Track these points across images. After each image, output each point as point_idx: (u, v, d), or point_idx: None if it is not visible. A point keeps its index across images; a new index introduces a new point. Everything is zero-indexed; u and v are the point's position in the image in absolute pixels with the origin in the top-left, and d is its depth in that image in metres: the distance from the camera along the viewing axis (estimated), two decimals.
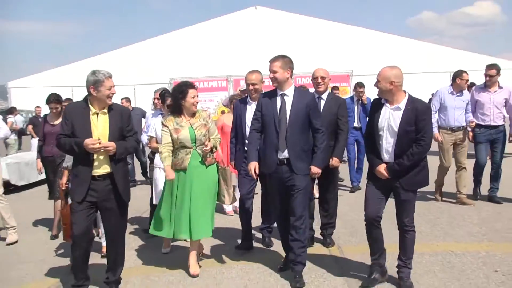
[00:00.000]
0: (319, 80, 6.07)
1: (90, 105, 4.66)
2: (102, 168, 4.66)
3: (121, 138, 4.75)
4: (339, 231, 6.77)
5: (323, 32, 33.06)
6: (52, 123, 7.68)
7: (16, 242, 7.20)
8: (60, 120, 7.11)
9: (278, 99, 5.15)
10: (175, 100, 5.59)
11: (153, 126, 6.78)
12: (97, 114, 4.67)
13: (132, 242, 6.85)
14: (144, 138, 7.71)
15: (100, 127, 4.63)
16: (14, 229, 7.25)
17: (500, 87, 8.19)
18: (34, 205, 10.05)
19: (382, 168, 4.62)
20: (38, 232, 7.92)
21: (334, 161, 6.07)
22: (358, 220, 6.42)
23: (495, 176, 8.31)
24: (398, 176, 4.56)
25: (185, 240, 6.00)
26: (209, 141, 5.51)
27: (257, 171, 5.21)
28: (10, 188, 10.82)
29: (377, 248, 4.85)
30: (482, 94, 8.21)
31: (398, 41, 33.41)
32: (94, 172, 4.63)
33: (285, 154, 5.06)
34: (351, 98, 10.15)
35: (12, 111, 21.66)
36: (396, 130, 4.51)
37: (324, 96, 6.13)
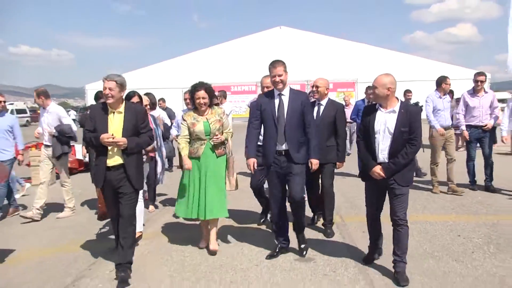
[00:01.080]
0: (313, 89, 5.85)
1: (108, 106, 4.53)
2: (115, 160, 4.48)
3: (135, 134, 4.55)
4: (341, 205, 6.94)
5: (334, 48, 33.25)
6: None
7: (67, 216, 7.10)
8: None
9: (276, 99, 4.91)
10: (191, 99, 5.36)
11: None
12: (113, 112, 4.52)
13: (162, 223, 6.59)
14: (174, 132, 7.88)
15: (115, 124, 4.48)
16: (70, 208, 7.18)
17: (485, 92, 8.06)
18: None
19: (378, 169, 4.23)
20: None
21: (338, 165, 5.86)
22: (358, 198, 6.59)
23: (488, 168, 8.04)
24: (393, 175, 4.21)
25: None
26: (221, 134, 5.23)
27: (255, 166, 4.95)
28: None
29: (376, 235, 4.64)
30: (472, 99, 7.92)
31: (394, 55, 33.52)
32: (109, 162, 4.47)
33: (283, 146, 4.85)
34: (363, 100, 9.75)
35: (86, 108, 22.44)
36: (392, 131, 4.16)
37: (323, 102, 5.81)
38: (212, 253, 5.13)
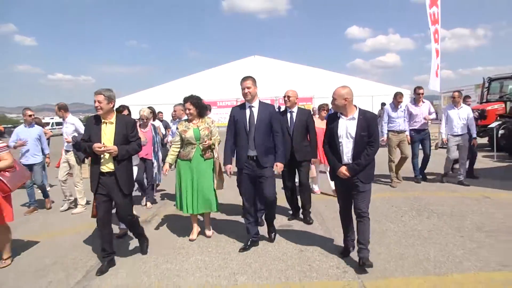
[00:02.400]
0: (285, 98, 5.47)
1: (101, 117, 4.19)
2: (107, 166, 4.13)
3: (125, 142, 4.20)
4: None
5: (296, 71, 33.99)
6: None
7: (80, 212, 6.67)
8: None
9: (247, 110, 4.54)
10: (184, 110, 5.10)
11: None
12: (106, 123, 4.18)
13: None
14: (170, 139, 7.40)
15: (108, 134, 4.14)
16: (82, 205, 6.78)
17: (423, 102, 7.87)
18: None
19: (343, 169, 3.88)
20: None
21: (313, 161, 5.68)
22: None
23: (425, 163, 8.02)
24: (357, 174, 3.87)
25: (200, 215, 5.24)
26: (209, 140, 4.87)
27: (232, 171, 4.68)
28: None
29: (349, 229, 4.21)
30: (414, 108, 7.78)
31: (341, 76, 34.49)
32: (102, 169, 4.12)
33: (253, 152, 4.48)
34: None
35: None
36: (354, 136, 3.84)
37: (294, 109, 5.47)
38: (208, 236, 5.04)
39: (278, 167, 4.51)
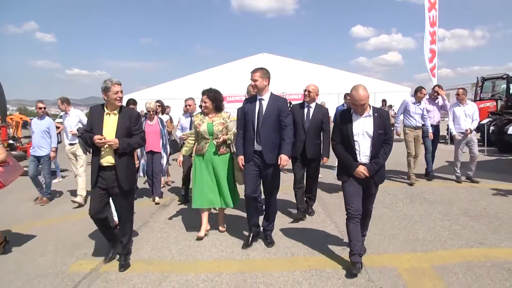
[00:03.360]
0: (306, 93, 5.21)
1: (105, 107, 3.90)
2: (107, 160, 3.82)
3: (128, 135, 3.88)
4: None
5: (302, 68, 34.42)
6: None
7: (79, 202, 6.42)
8: None
9: (257, 103, 4.28)
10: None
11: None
12: (109, 114, 3.88)
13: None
14: (178, 133, 6.79)
15: (109, 125, 3.84)
16: (82, 197, 6.47)
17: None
18: None
19: (362, 168, 3.57)
20: None
21: (324, 160, 5.30)
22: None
23: (432, 159, 7.72)
24: (375, 173, 3.63)
25: (214, 209, 5.17)
26: (224, 135, 4.62)
27: (243, 162, 4.34)
28: None
29: (357, 239, 3.65)
30: (428, 104, 7.63)
31: (345, 74, 34.80)
32: (102, 162, 3.82)
33: (259, 146, 4.24)
34: (343, 105, 8.39)
35: None
36: (372, 134, 3.57)
37: (312, 105, 5.23)
38: (221, 231, 4.87)
39: (283, 159, 4.09)
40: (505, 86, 12.58)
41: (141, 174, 6.44)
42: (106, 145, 3.76)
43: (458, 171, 7.39)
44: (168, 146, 6.76)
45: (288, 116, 4.27)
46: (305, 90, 5.27)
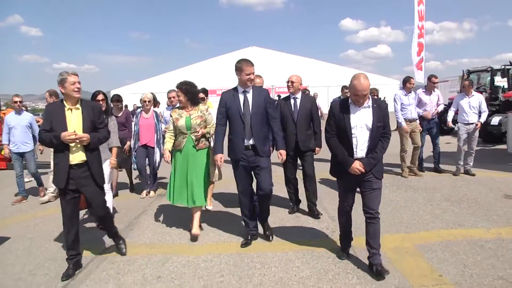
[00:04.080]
0: (289, 84, 5.03)
1: (64, 103, 3.58)
2: (78, 157, 3.57)
3: (93, 130, 3.65)
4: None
5: (292, 61, 34.62)
6: (116, 115, 6.25)
7: (47, 201, 6.39)
8: (120, 113, 6.50)
9: (241, 95, 4.06)
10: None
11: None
12: (71, 109, 3.57)
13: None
14: (162, 126, 6.52)
15: (74, 121, 3.55)
16: (52, 193, 6.27)
17: (434, 90, 7.41)
18: None
19: (357, 165, 3.34)
20: None
21: (317, 150, 5.14)
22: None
23: (437, 153, 7.51)
24: (372, 169, 3.39)
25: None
26: (202, 129, 4.47)
27: (222, 161, 4.14)
28: None
29: (348, 228, 3.77)
30: (424, 95, 7.37)
31: (334, 67, 35.19)
32: (72, 160, 3.54)
33: (250, 141, 4.04)
34: (339, 97, 8.34)
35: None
36: (370, 126, 3.32)
37: (298, 95, 5.03)
38: (193, 238, 4.46)
39: (282, 155, 4.09)
40: (489, 78, 12.97)
41: (134, 167, 6.51)
42: (77, 142, 3.51)
43: (461, 163, 7.26)
44: (161, 141, 6.45)
45: (275, 108, 4.23)
46: (288, 82, 5.10)
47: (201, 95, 5.54)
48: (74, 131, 3.48)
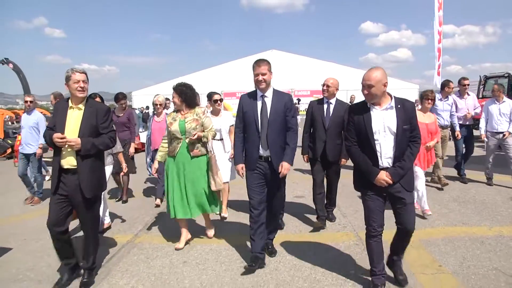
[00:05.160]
0: (324, 87, 4.67)
1: (69, 101, 3.37)
2: (68, 162, 3.28)
3: (93, 134, 3.33)
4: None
5: (311, 65, 34.91)
6: (118, 115, 6.25)
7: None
8: (123, 113, 6.35)
9: (259, 100, 3.67)
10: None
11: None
12: (73, 109, 3.34)
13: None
14: None
15: (72, 122, 3.29)
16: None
17: (468, 94, 7.00)
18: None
19: (383, 175, 2.93)
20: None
21: (342, 161, 4.78)
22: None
23: (466, 159, 7.21)
24: (400, 179, 2.96)
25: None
26: (199, 132, 4.14)
27: (244, 172, 3.78)
28: None
29: (379, 259, 3.15)
30: (459, 100, 6.88)
31: (354, 71, 35.19)
32: (62, 164, 3.28)
33: (267, 152, 3.65)
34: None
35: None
36: (395, 130, 2.91)
37: (332, 101, 4.69)
38: (209, 237, 4.54)
39: (283, 168, 3.62)
40: (507, 84, 12.98)
41: (149, 172, 6.34)
42: (66, 145, 3.23)
43: (489, 173, 6.85)
44: None
45: (294, 116, 3.76)
46: (323, 85, 4.75)
47: (218, 96, 5.33)
48: (63, 134, 3.22)
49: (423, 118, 5.14)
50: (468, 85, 6.99)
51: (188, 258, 4.05)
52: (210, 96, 5.34)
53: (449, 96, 6.75)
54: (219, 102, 5.31)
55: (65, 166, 3.30)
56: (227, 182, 5.38)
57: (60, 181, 3.32)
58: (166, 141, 4.35)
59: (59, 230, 3.33)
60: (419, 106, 5.49)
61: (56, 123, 3.32)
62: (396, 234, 3.23)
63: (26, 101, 6.29)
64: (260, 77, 3.61)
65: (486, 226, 4.73)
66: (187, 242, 4.44)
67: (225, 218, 5.31)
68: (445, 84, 6.76)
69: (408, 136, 2.96)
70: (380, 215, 3.10)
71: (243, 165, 3.79)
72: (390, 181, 2.94)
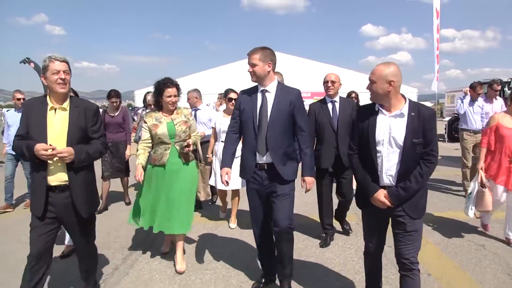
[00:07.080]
0: (329, 84, 4.13)
1: (48, 99, 2.64)
2: (58, 178, 2.62)
3: (84, 140, 2.69)
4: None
5: (312, 67, 35.57)
6: (111, 114, 5.81)
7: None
8: (117, 113, 5.87)
9: (259, 96, 3.05)
10: (155, 97, 3.66)
11: (214, 119, 4.99)
12: (55, 109, 2.63)
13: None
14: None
15: (57, 126, 2.61)
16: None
17: (496, 98, 6.50)
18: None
19: (381, 196, 2.44)
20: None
21: None
22: None
23: None
24: (402, 203, 2.43)
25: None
26: (188, 139, 3.67)
27: (229, 178, 3.10)
28: None
29: (376, 278, 2.82)
30: (486, 104, 6.40)
31: (354, 73, 35.97)
32: (50, 181, 2.61)
33: (265, 158, 3.00)
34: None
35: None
36: (401, 143, 2.38)
37: (337, 99, 4.17)
38: (180, 273, 3.60)
39: (307, 183, 3.06)
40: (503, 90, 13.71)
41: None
42: (56, 158, 2.56)
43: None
44: None
45: (304, 116, 3.11)
46: (326, 82, 4.21)
47: (233, 95, 4.80)
48: (51, 145, 2.51)
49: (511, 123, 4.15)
50: (499, 89, 6.59)
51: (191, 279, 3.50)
52: (226, 93, 4.92)
53: (478, 99, 6.42)
54: (233, 101, 4.63)
55: (54, 183, 2.63)
56: (238, 189, 4.82)
57: (46, 202, 2.62)
58: (148, 144, 3.70)
59: (43, 261, 2.65)
60: (504, 108, 4.62)
61: (31, 129, 2.57)
62: (399, 271, 2.58)
63: (18, 98, 5.87)
64: (250, 69, 3.02)
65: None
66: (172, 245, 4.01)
67: (232, 228, 4.80)
68: (474, 86, 6.34)
69: (419, 152, 2.39)
70: (378, 235, 2.69)
71: (229, 169, 3.11)
72: (389, 204, 2.44)
